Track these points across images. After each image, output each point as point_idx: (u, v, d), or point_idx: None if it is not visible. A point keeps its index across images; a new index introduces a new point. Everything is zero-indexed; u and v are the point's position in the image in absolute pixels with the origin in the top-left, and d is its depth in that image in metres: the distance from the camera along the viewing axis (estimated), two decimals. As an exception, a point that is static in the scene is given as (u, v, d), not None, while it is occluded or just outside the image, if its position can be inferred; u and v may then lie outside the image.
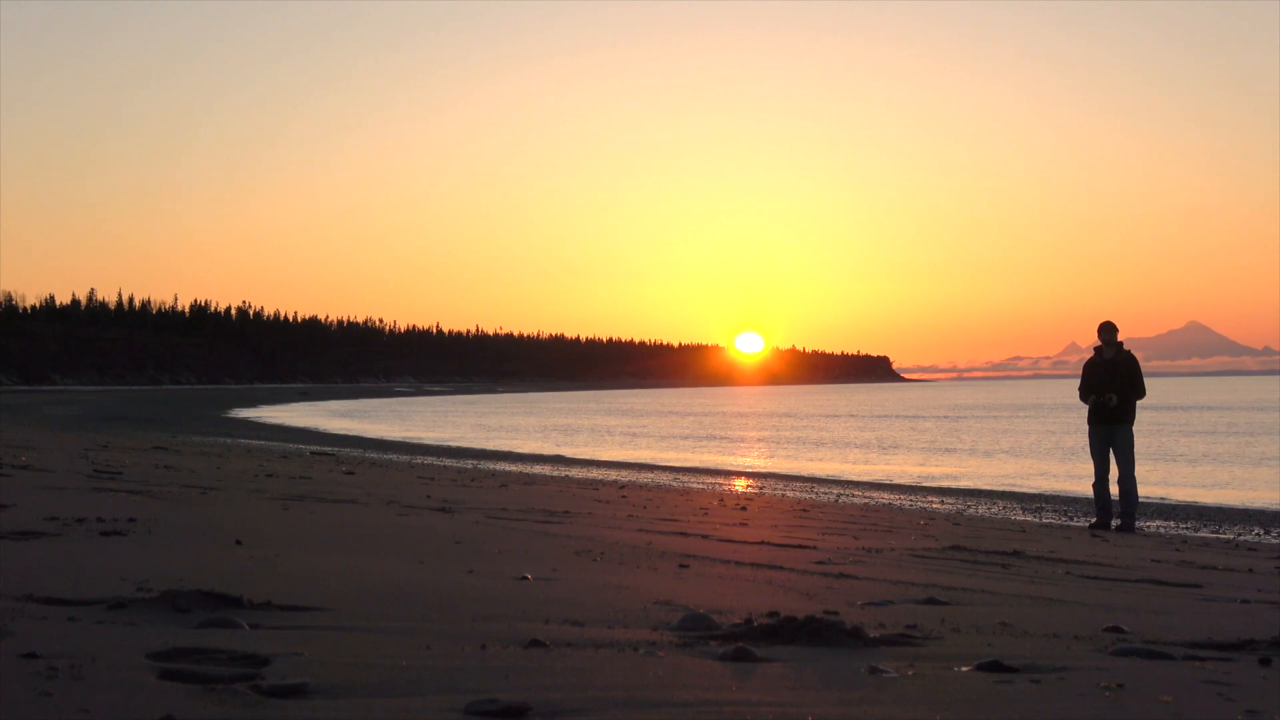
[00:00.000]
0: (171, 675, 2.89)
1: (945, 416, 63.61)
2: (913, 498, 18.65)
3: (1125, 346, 13.24)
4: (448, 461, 24.39)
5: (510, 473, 20.45)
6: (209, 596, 3.88)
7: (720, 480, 22.05)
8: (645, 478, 21.41)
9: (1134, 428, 13.21)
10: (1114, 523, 13.14)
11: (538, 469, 23.29)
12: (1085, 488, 20.09)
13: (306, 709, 2.69)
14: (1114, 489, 13.09)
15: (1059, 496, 19.45)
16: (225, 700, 2.71)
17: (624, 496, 13.73)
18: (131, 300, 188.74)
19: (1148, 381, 13.38)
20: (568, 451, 33.04)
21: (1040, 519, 14.85)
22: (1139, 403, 13.22)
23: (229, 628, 3.51)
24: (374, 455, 25.14)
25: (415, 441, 36.54)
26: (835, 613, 4.38)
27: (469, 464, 23.86)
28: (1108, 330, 13.23)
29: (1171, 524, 14.63)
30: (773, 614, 4.18)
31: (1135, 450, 13.19)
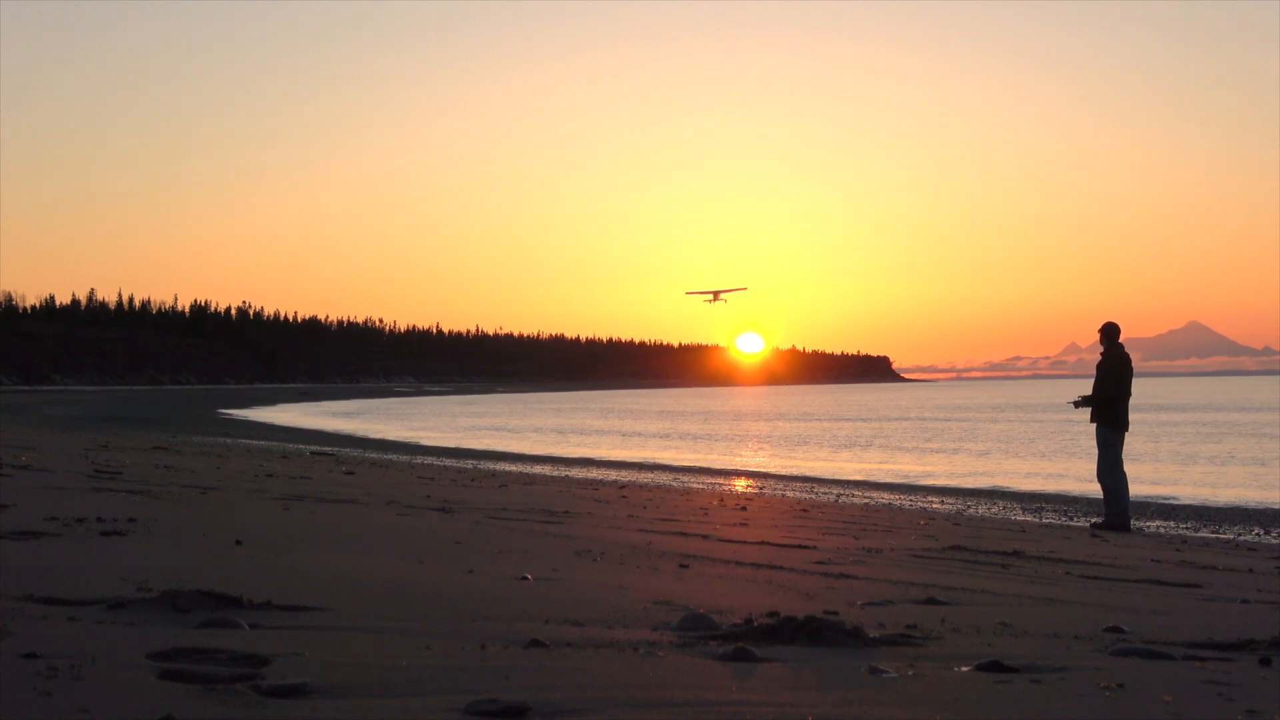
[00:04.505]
0: (172, 675, 2.90)
1: (945, 417, 63.59)
2: (912, 498, 18.64)
3: (1116, 348, 13.34)
4: (448, 462, 24.39)
5: (510, 473, 20.45)
6: (209, 596, 3.89)
7: (720, 480, 22.05)
8: (645, 478, 21.40)
9: (1129, 428, 13.36)
10: (1094, 520, 13.41)
11: (538, 469, 23.29)
12: (1084, 488, 20.20)
13: (307, 709, 2.70)
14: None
15: (1059, 496, 19.44)
16: (225, 700, 2.72)
17: (624, 496, 13.72)
18: (131, 300, 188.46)
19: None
20: (568, 451, 33.04)
21: (1040, 519, 14.85)
22: (1133, 402, 13.43)
23: (229, 628, 3.52)
24: (374, 455, 25.14)
25: (415, 442, 36.54)
26: (835, 613, 4.38)
27: (469, 464, 23.85)
28: (1099, 332, 13.43)
29: (1171, 524, 14.64)
30: (773, 614, 4.18)
31: (1126, 449, 13.36)
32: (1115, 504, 12.95)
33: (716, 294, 46.73)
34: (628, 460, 29.26)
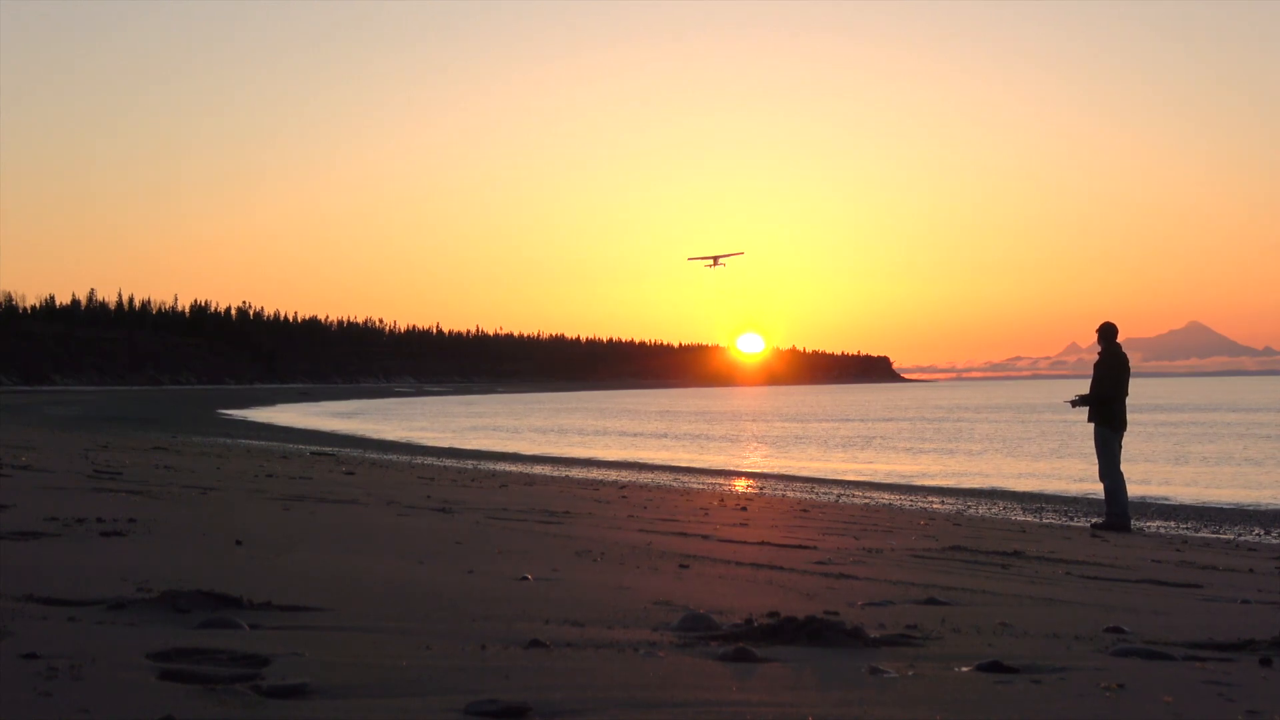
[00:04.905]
0: (172, 675, 2.89)
1: (945, 417, 63.53)
2: (913, 498, 18.63)
3: (1114, 348, 13.34)
4: (448, 462, 24.38)
5: (510, 473, 20.44)
6: (209, 597, 3.87)
7: (721, 480, 22.03)
8: (645, 478, 21.39)
9: (1126, 427, 13.36)
10: (1094, 520, 13.60)
11: (538, 469, 23.28)
12: (1084, 488, 20.19)
13: (306, 709, 2.69)
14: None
15: (1059, 497, 19.42)
16: (225, 701, 2.71)
17: (624, 497, 13.71)
18: (131, 300, 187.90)
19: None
20: (568, 452, 33.02)
21: (1040, 519, 14.84)
22: (1133, 402, 13.45)
23: (229, 628, 3.51)
24: (374, 455, 25.12)
25: (415, 442, 36.53)
26: (835, 613, 4.37)
27: (469, 464, 23.84)
28: (1097, 332, 13.43)
29: (1172, 524, 14.64)
30: (773, 614, 4.17)
31: (1122, 449, 13.36)
32: (1115, 504, 12.95)
33: (716, 259, 49.15)
34: (628, 460, 29.25)
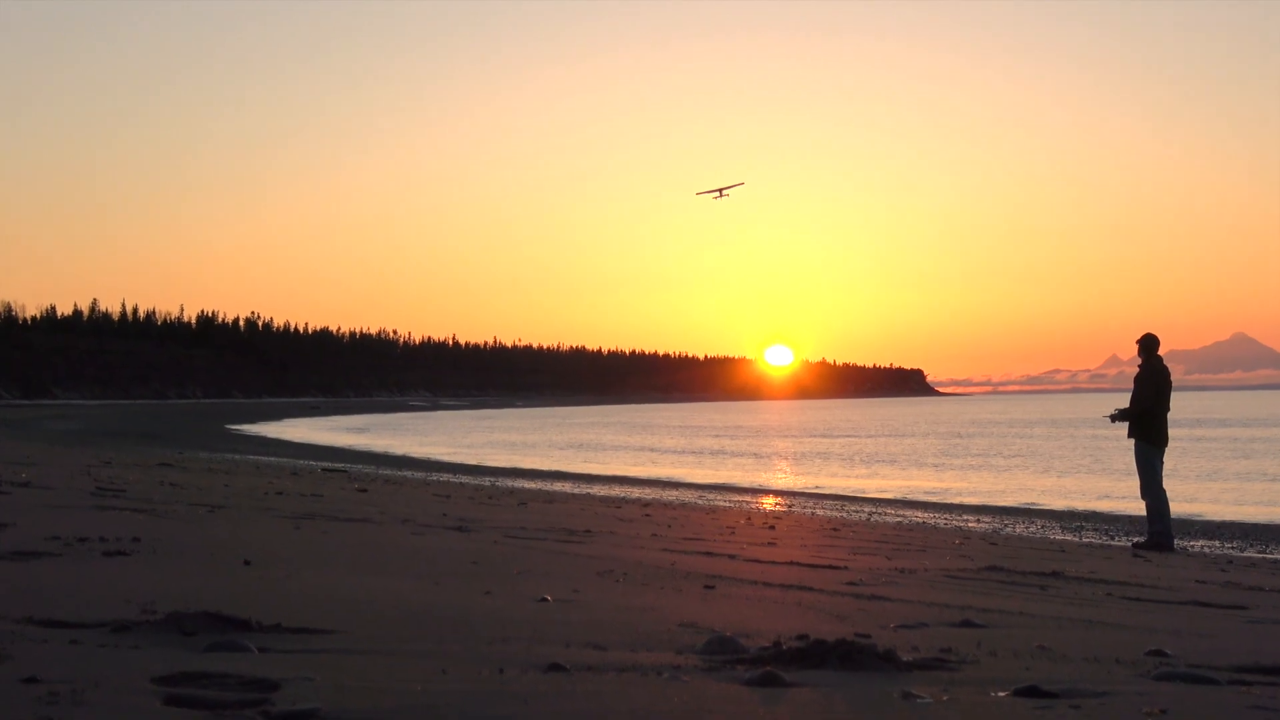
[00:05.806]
0: (177, 700, 2.85)
1: (981, 433, 63.19)
2: (947, 516, 18.49)
3: (1155, 360, 13.19)
4: (464, 479, 24.39)
5: (529, 490, 20.42)
6: (216, 619, 3.84)
7: (747, 498, 21.97)
8: (670, 495, 21.35)
9: (1168, 443, 13.19)
10: (1136, 539, 13.46)
11: (558, 486, 23.27)
12: (1124, 506, 19.97)
13: (316, 736, 2.65)
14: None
15: (1099, 514, 19.25)
16: (233, 727, 2.67)
17: (648, 515, 13.68)
18: (136, 311, 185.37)
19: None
20: (588, 469, 33.04)
21: (1080, 538, 14.68)
22: (1175, 417, 13.31)
23: (237, 651, 3.49)
24: (388, 472, 25.15)
25: (431, 458, 36.62)
26: (867, 635, 4.32)
27: (486, 481, 23.85)
28: (1137, 344, 13.28)
29: (1216, 543, 14.44)
30: (802, 637, 4.12)
31: (1166, 467, 13.22)
32: (1158, 522, 12.75)
33: (721, 191, 53.15)
34: (651, 478, 29.25)
